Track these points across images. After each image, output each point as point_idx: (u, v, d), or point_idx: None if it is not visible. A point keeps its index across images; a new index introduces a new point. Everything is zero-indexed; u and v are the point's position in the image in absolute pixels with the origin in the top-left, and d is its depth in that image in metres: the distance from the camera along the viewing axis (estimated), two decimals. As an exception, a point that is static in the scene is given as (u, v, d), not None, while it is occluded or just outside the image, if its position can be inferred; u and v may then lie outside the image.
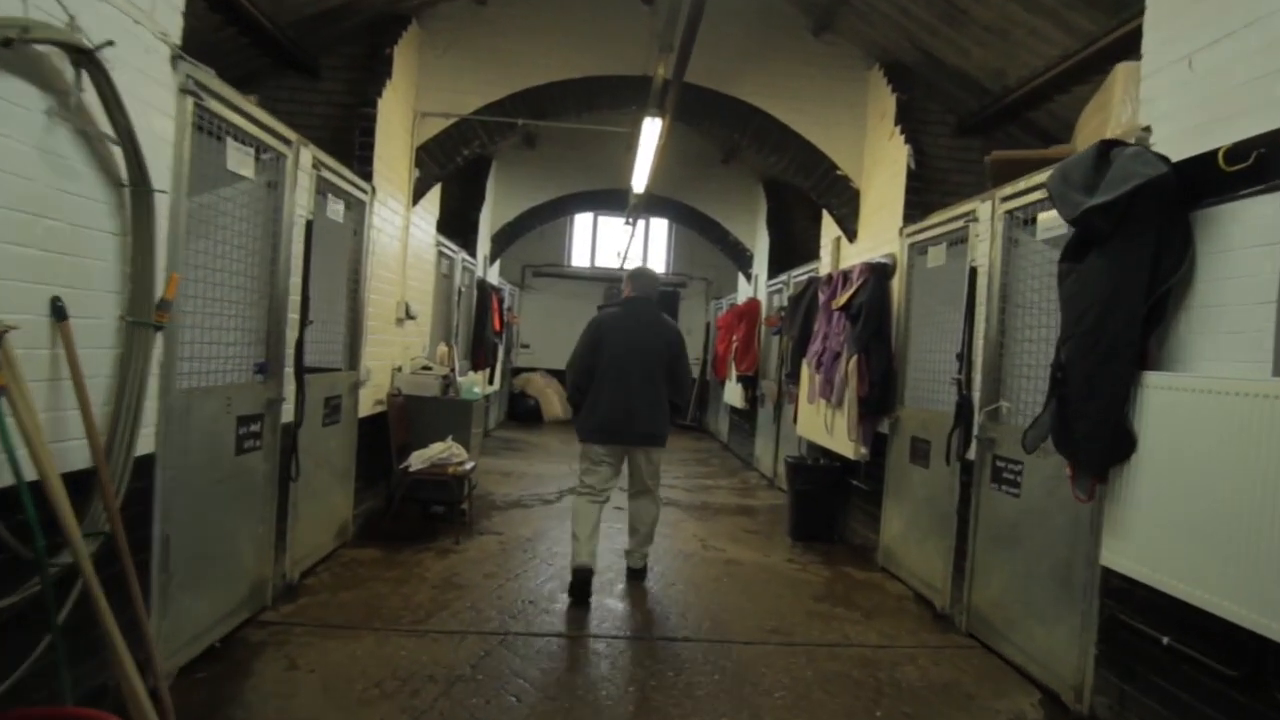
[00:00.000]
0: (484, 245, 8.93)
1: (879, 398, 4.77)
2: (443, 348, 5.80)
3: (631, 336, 4.14)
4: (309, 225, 3.60)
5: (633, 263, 13.11)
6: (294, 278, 3.53)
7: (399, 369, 5.36)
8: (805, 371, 6.05)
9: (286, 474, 3.58)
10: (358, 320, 4.50)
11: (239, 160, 3.00)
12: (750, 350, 8.67)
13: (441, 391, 5.40)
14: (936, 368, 4.31)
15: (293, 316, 3.55)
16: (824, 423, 5.50)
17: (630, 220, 8.69)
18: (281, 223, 3.40)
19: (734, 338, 8.92)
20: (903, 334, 4.78)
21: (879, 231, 5.35)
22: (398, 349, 5.40)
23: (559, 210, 9.42)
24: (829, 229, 6.38)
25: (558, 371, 12.96)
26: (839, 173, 5.73)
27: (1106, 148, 2.51)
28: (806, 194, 8.30)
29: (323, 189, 3.88)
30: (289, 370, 3.54)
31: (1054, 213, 3.23)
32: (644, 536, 4.34)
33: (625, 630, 3.61)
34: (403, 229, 5.39)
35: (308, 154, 3.61)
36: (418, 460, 4.88)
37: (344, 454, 4.46)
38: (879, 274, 4.94)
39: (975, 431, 3.70)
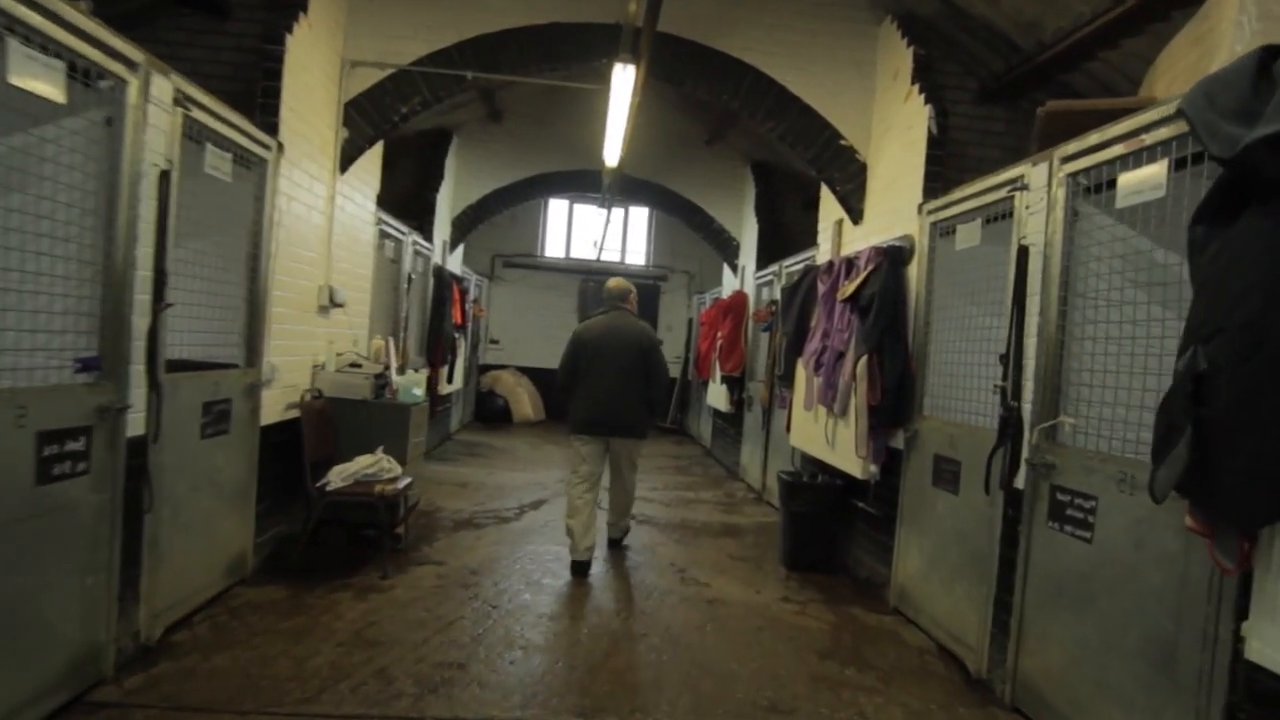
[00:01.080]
0: (443, 229, 8.06)
1: (893, 406, 3.99)
2: (378, 341, 4.94)
3: (608, 339, 4.66)
4: (165, 177, 2.74)
5: (611, 254, 12.29)
6: (143, 246, 2.67)
7: (320, 366, 4.50)
8: (801, 373, 5.27)
9: (136, 504, 2.73)
10: (258, 306, 3.64)
11: (36, 76, 2.14)
12: (736, 348, 7.89)
13: (373, 393, 4.55)
14: (968, 371, 3.53)
15: (142, 298, 2.69)
16: (824, 433, 4.72)
17: (606, 202, 7.87)
18: (121, 171, 2.54)
19: (718, 335, 8.14)
20: (921, 330, 4.01)
21: (890, 210, 4.58)
22: (320, 342, 4.54)
23: (528, 192, 8.57)
24: (829, 210, 5.61)
25: (530, 369, 12.14)
26: (843, 142, 4.94)
27: (1269, 57, 1.73)
28: (802, 174, 7.56)
29: (197, 134, 3.01)
30: (137, 367, 2.68)
31: (1144, 173, 2.47)
32: (621, 512, 4.98)
33: (581, 708, 2.79)
34: (327, 200, 4.53)
35: (166, 85, 2.75)
36: (337, 477, 4.03)
37: (237, 471, 3.59)
38: (892, 259, 4.17)
39: (1026, 454, 2.93)
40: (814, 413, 4.98)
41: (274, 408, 3.95)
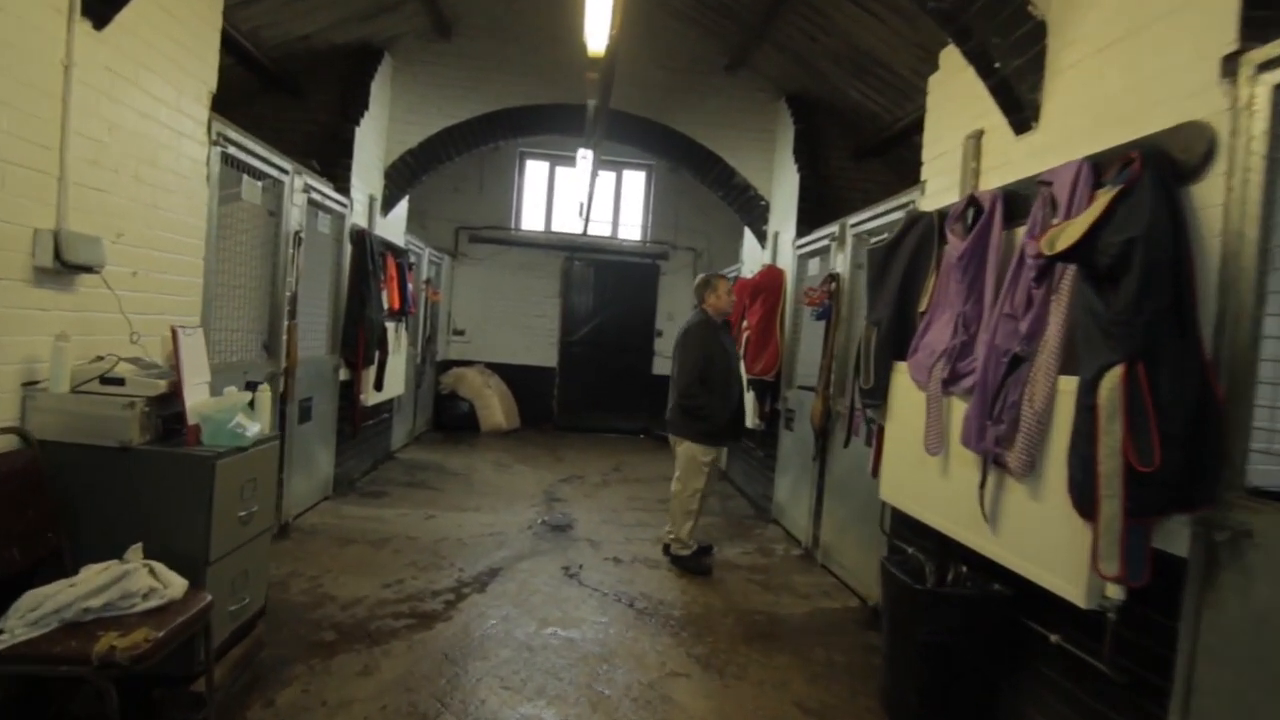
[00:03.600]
0: (369, 180, 5.92)
1: (1181, 469, 1.92)
2: (167, 335, 2.77)
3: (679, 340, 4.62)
4: None
5: (601, 226, 10.20)
6: None
7: (36, 384, 2.37)
8: (909, 390, 3.20)
9: None
10: None
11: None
12: (770, 342, 5.81)
13: (148, 431, 2.43)
14: None
15: None
16: (979, 501, 2.65)
17: (592, 143, 5.75)
18: None
19: (744, 324, 6.05)
20: (1247, 313, 1.93)
21: (1120, 92, 2.49)
22: (42, 337, 2.40)
23: (489, 132, 6.41)
24: (946, 122, 3.53)
25: (502, 366, 10.04)
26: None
27: None
28: (854, 108, 5.46)
29: None
30: None
31: None
32: (671, 518, 4.57)
33: None
34: (55, 66, 2.39)
35: None
36: (19, 620, 1.93)
37: None
38: (1158, 170, 2.08)
39: None
40: (947, 459, 2.92)
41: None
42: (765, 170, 6.65)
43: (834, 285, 4.74)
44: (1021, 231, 2.78)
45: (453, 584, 3.95)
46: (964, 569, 2.95)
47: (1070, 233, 2.27)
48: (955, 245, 3.02)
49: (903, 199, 4.01)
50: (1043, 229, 2.59)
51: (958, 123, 3.43)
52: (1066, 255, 2.27)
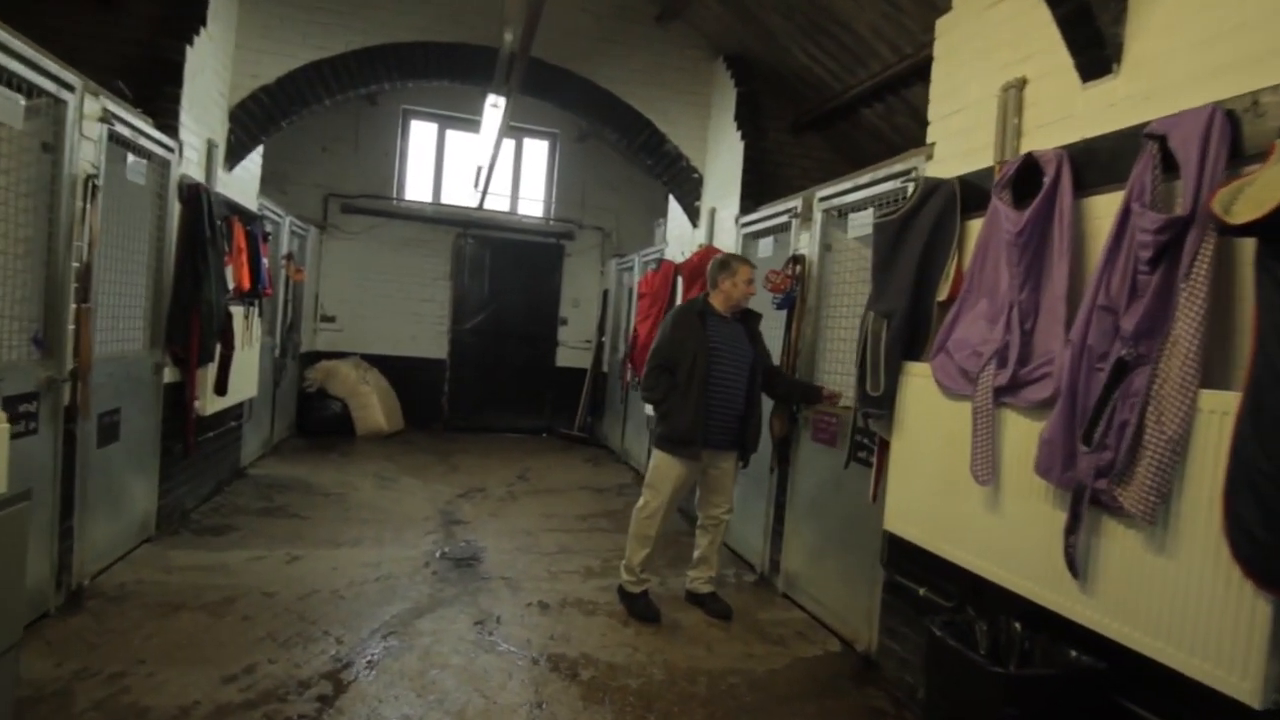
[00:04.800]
0: (207, 120, 4.59)
1: None
2: None
3: None
4: None
5: (500, 200, 9.10)
6: None
7: None
8: (926, 393, 2.50)
9: None
10: None
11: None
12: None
13: None
14: None
15: None
16: (1072, 552, 1.97)
17: (506, 89, 4.68)
18: None
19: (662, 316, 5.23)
20: None
21: (1241, 25, 1.87)
22: None
23: (370, 72, 5.16)
24: (980, 57, 2.83)
25: (382, 359, 8.70)
26: None
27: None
28: (799, 75, 4.74)
29: None
30: None
31: None
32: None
33: None
34: None
35: None
36: None
37: None
38: None
39: None
40: (999, 490, 2.24)
41: None
42: (699, 139, 5.85)
43: (798, 269, 4.02)
44: (1096, 202, 2.13)
45: (328, 666, 2.88)
46: (1017, 625, 2.29)
47: (1261, 195, 1.59)
48: (1008, 218, 2.33)
49: (896, 165, 3.31)
50: (1153, 195, 1.93)
51: (984, 70, 2.76)
52: (1258, 226, 1.59)
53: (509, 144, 9.06)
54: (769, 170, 5.38)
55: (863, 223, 3.47)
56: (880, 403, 2.78)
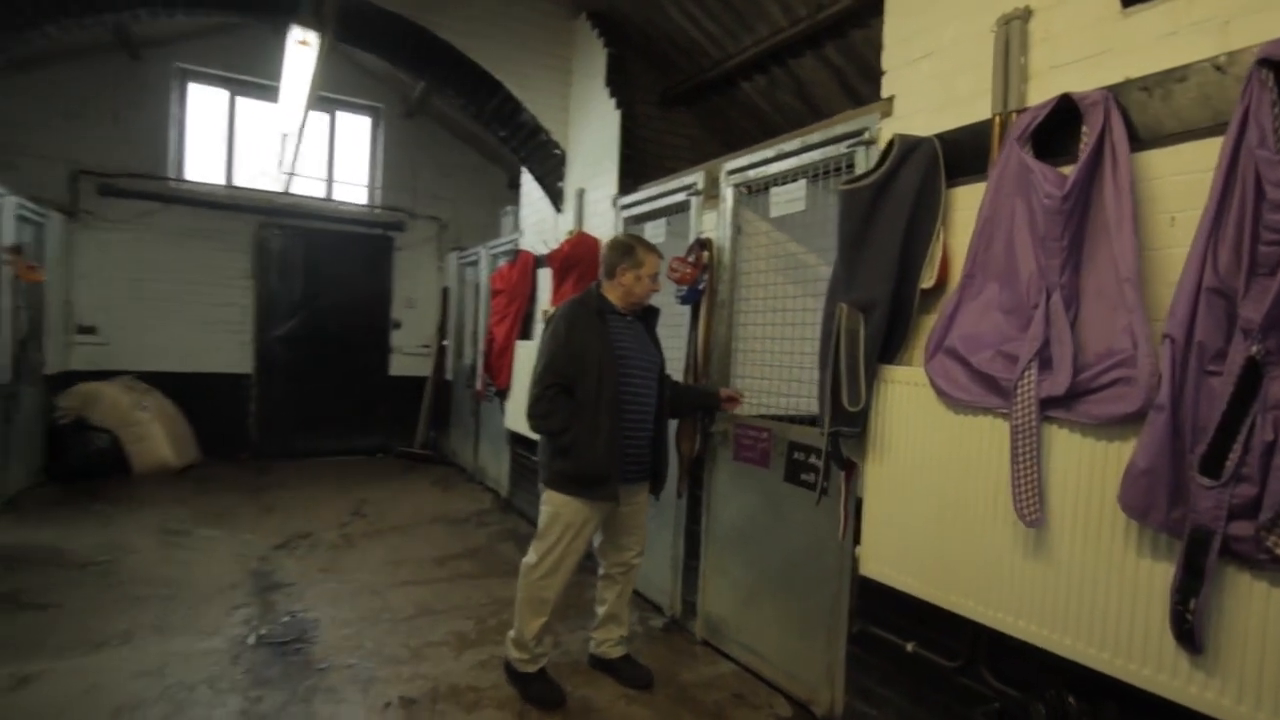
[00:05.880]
0: None
1: None
2: None
3: None
4: None
5: (312, 184, 7.74)
6: None
7: None
8: (915, 404, 1.98)
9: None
10: None
11: None
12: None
13: None
14: None
15: None
16: (1185, 617, 1.49)
17: (318, 23, 3.56)
18: None
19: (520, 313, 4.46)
20: None
21: None
22: None
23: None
24: (936, 9, 2.33)
25: (163, 376, 6.98)
26: None
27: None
28: (672, 40, 4.11)
29: None
30: None
31: None
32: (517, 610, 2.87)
33: None
34: None
35: None
36: None
37: None
38: None
39: None
40: (1045, 531, 1.74)
41: None
42: (559, 109, 5.06)
43: (705, 255, 3.41)
44: (1151, 158, 1.69)
45: None
46: (1071, 699, 1.82)
47: None
48: (1046, 179, 1.83)
49: (838, 126, 2.78)
50: (1277, 138, 1.49)
51: (968, 3, 2.26)
52: None
53: (322, 119, 7.69)
54: (637, 147, 4.74)
55: (791, 198, 2.91)
56: (857, 419, 2.22)
